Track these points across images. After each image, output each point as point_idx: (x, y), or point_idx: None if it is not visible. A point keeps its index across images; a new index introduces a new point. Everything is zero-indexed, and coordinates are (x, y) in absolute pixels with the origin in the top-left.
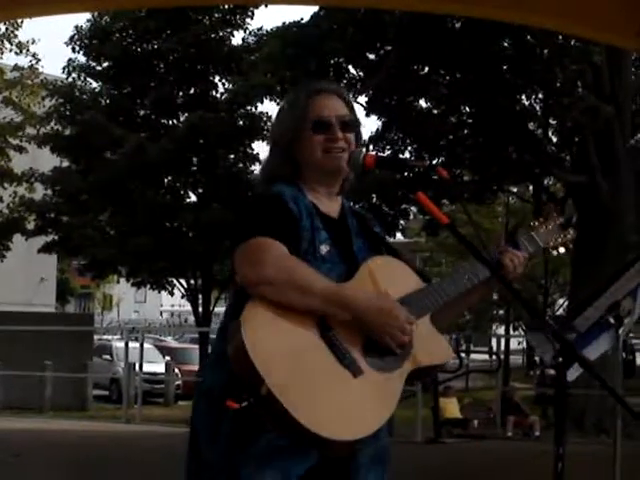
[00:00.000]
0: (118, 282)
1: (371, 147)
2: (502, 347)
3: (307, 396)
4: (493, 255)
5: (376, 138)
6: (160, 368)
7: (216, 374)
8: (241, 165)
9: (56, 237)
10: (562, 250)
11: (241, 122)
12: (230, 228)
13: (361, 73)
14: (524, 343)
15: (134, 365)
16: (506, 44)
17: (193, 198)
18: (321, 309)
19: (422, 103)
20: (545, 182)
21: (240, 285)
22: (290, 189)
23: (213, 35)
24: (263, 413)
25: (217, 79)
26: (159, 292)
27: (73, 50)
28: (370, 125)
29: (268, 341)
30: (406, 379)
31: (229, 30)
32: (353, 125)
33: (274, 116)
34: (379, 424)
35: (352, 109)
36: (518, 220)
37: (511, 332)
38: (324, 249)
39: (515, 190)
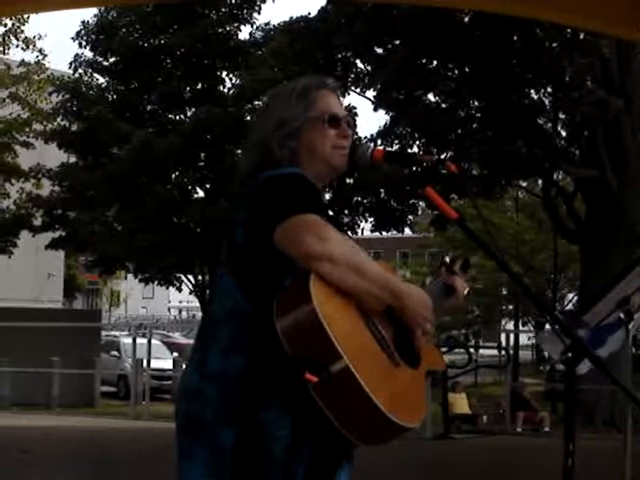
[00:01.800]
0: (126, 278)
1: (379, 142)
2: (511, 342)
3: (374, 378)
4: (442, 282)
5: (384, 133)
6: (168, 364)
7: (230, 359)
8: None
9: (63, 233)
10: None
11: (248, 117)
12: (252, 206)
13: (369, 67)
14: (533, 338)
15: (142, 361)
16: (515, 38)
17: (200, 193)
18: (374, 293)
19: (430, 97)
20: (554, 176)
21: (295, 257)
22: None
23: (220, 30)
24: (331, 393)
25: (224, 74)
26: (167, 288)
27: (80, 45)
28: (378, 119)
29: (339, 316)
30: None
31: (236, 25)
32: (355, 125)
33: (271, 99)
34: (424, 414)
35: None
36: (527, 214)
37: (520, 327)
38: None
39: (524, 184)
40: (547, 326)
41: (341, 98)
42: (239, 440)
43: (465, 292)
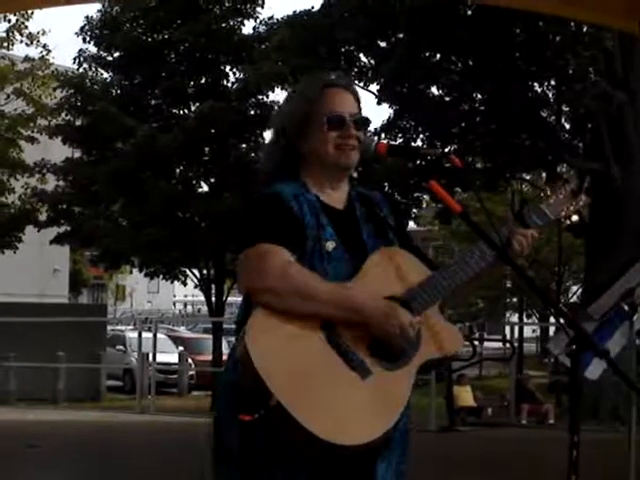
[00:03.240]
0: (131, 273)
1: (383, 135)
2: (516, 335)
3: (317, 405)
4: (502, 237)
5: (388, 126)
6: (173, 358)
7: (233, 370)
8: (253, 154)
9: (68, 228)
10: (575, 218)
11: (252, 111)
12: (234, 230)
13: (372, 61)
14: (538, 331)
15: (147, 355)
16: (518, 31)
17: (205, 188)
18: (328, 314)
19: (434, 91)
20: (558, 169)
21: (244, 292)
22: (291, 186)
23: (224, 24)
24: (274, 424)
25: (228, 68)
26: (172, 282)
27: (84, 41)
28: (381, 113)
29: (273, 349)
30: (420, 369)
31: (240, 19)
32: (364, 124)
33: (281, 105)
34: (393, 421)
35: (360, 104)
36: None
37: (525, 320)
38: (330, 246)
39: (528, 177)
40: (551, 319)
41: (356, 93)
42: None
43: (524, 249)
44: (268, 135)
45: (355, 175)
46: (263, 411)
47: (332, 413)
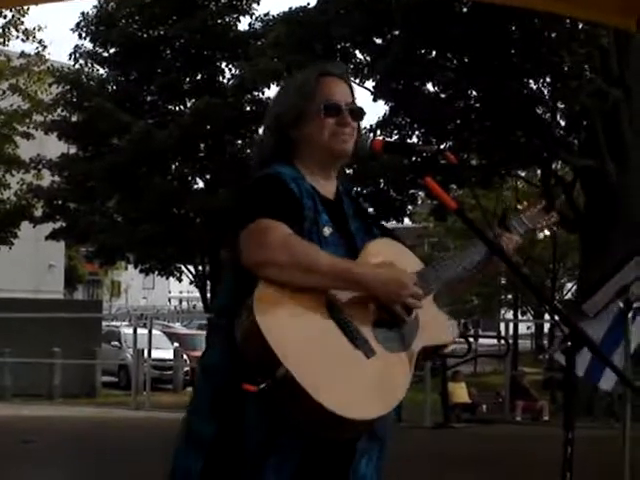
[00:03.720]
0: (126, 269)
1: (378, 132)
2: (511, 332)
3: (324, 377)
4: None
5: (383, 123)
6: (169, 354)
7: (220, 354)
8: (248, 151)
9: (64, 224)
10: (547, 233)
11: (248, 107)
12: (229, 214)
13: (368, 58)
14: (532, 328)
15: (143, 351)
16: (513, 28)
17: (200, 184)
18: (329, 286)
19: (429, 87)
20: (553, 166)
21: (245, 267)
22: (288, 169)
23: (219, 21)
24: (279, 396)
25: (224, 65)
26: (167, 278)
27: (80, 37)
28: (377, 110)
29: (281, 322)
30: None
31: (235, 15)
32: (360, 114)
33: (275, 95)
34: (396, 402)
35: (354, 94)
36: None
37: (519, 317)
38: (327, 231)
39: (523, 174)
40: (546, 316)
41: (350, 83)
42: (221, 432)
43: (509, 251)
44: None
45: (350, 172)
46: (270, 381)
47: (338, 387)
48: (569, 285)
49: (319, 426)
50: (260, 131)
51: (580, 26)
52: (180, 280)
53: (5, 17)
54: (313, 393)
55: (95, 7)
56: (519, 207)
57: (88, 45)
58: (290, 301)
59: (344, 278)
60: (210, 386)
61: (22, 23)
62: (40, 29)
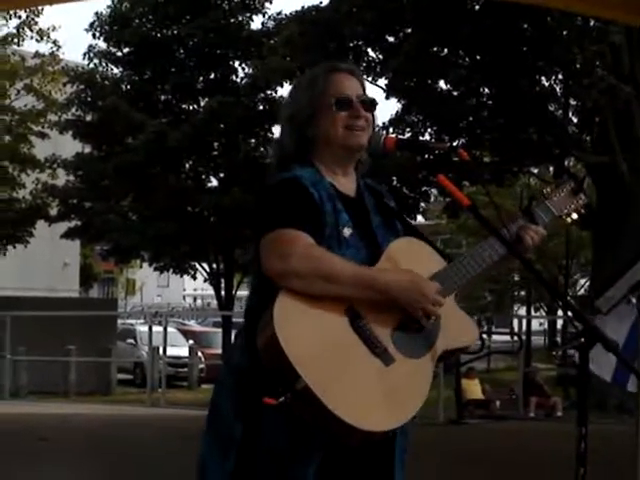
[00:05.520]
0: (141, 267)
1: (391, 130)
2: (524, 328)
3: (342, 390)
4: (512, 233)
5: (396, 120)
6: (184, 352)
7: (245, 355)
8: (262, 149)
9: (79, 223)
10: (575, 216)
11: (261, 106)
12: (250, 216)
13: (380, 56)
14: (545, 324)
15: (158, 349)
16: (526, 25)
17: (214, 183)
18: (351, 295)
19: (442, 85)
20: (566, 163)
21: (266, 276)
22: (308, 172)
23: (232, 20)
24: (298, 407)
25: (237, 64)
26: (182, 276)
27: (94, 36)
28: (390, 108)
29: (301, 334)
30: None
31: (248, 14)
32: (372, 105)
33: (287, 96)
34: (414, 410)
35: (365, 88)
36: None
37: (532, 313)
38: (347, 232)
39: (535, 171)
40: (559, 312)
41: (361, 78)
42: (247, 432)
43: (532, 244)
44: (277, 129)
45: (365, 168)
46: (290, 395)
47: (356, 399)
48: (582, 281)
49: (338, 435)
50: (274, 130)
51: (592, 23)
52: (194, 278)
53: (20, 17)
54: (331, 406)
55: (109, 7)
56: (544, 192)
57: (102, 45)
58: (310, 310)
59: (367, 287)
60: (234, 386)
61: (36, 23)
62: (54, 29)
